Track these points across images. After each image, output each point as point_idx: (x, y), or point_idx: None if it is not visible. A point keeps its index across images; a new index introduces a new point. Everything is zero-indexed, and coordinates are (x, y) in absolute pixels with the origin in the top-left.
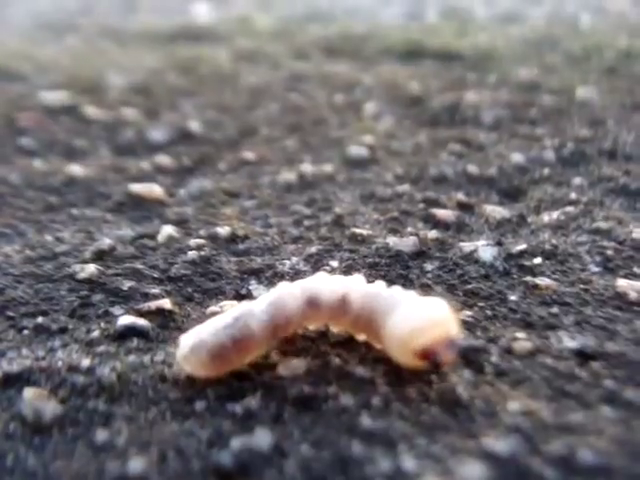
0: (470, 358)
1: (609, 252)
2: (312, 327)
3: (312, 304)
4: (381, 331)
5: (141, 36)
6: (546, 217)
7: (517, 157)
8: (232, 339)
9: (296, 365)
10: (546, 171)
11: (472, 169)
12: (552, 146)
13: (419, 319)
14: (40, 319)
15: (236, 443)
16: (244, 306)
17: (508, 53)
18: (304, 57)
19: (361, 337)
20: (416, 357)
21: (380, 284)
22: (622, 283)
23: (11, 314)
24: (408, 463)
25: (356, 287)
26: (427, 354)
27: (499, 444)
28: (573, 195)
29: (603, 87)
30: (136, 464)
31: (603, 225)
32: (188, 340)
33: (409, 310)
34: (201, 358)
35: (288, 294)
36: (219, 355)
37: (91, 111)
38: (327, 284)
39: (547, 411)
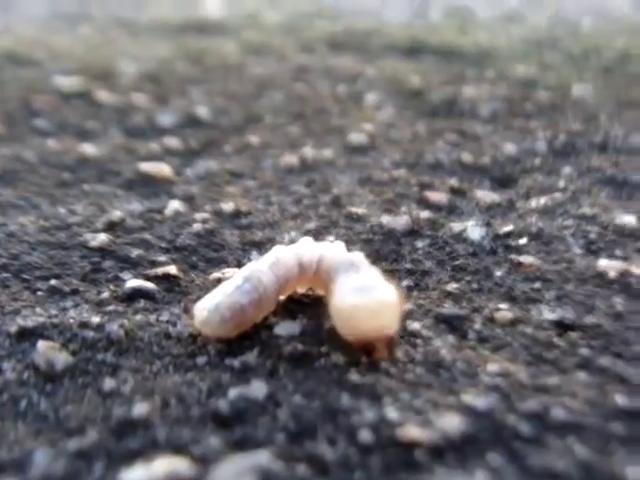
0: (454, 325)
1: (592, 235)
2: (300, 290)
3: (301, 266)
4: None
5: (152, 27)
6: (534, 202)
7: (510, 147)
8: (248, 295)
9: (292, 326)
10: (537, 161)
11: (466, 157)
12: (545, 138)
13: (362, 305)
14: (53, 282)
15: (233, 392)
16: (251, 267)
17: (508, 51)
18: (310, 50)
19: None
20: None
21: (342, 253)
22: (603, 263)
23: (26, 277)
24: (392, 414)
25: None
26: (365, 347)
27: (477, 400)
28: (562, 183)
29: (599, 85)
30: (140, 409)
31: (588, 211)
32: (204, 305)
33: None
34: (221, 318)
35: (285, 256)
36: (239, 312)
37: (103, 96)
38: (308, 249)
39: (525, 374)
